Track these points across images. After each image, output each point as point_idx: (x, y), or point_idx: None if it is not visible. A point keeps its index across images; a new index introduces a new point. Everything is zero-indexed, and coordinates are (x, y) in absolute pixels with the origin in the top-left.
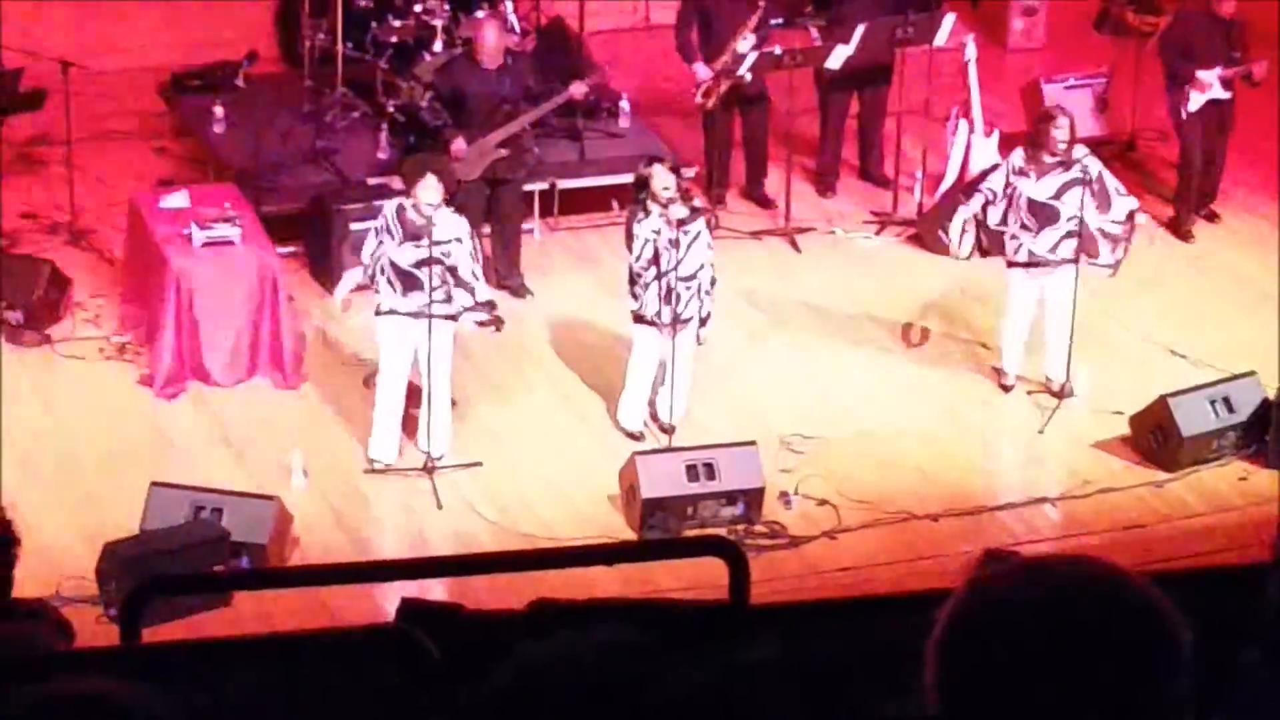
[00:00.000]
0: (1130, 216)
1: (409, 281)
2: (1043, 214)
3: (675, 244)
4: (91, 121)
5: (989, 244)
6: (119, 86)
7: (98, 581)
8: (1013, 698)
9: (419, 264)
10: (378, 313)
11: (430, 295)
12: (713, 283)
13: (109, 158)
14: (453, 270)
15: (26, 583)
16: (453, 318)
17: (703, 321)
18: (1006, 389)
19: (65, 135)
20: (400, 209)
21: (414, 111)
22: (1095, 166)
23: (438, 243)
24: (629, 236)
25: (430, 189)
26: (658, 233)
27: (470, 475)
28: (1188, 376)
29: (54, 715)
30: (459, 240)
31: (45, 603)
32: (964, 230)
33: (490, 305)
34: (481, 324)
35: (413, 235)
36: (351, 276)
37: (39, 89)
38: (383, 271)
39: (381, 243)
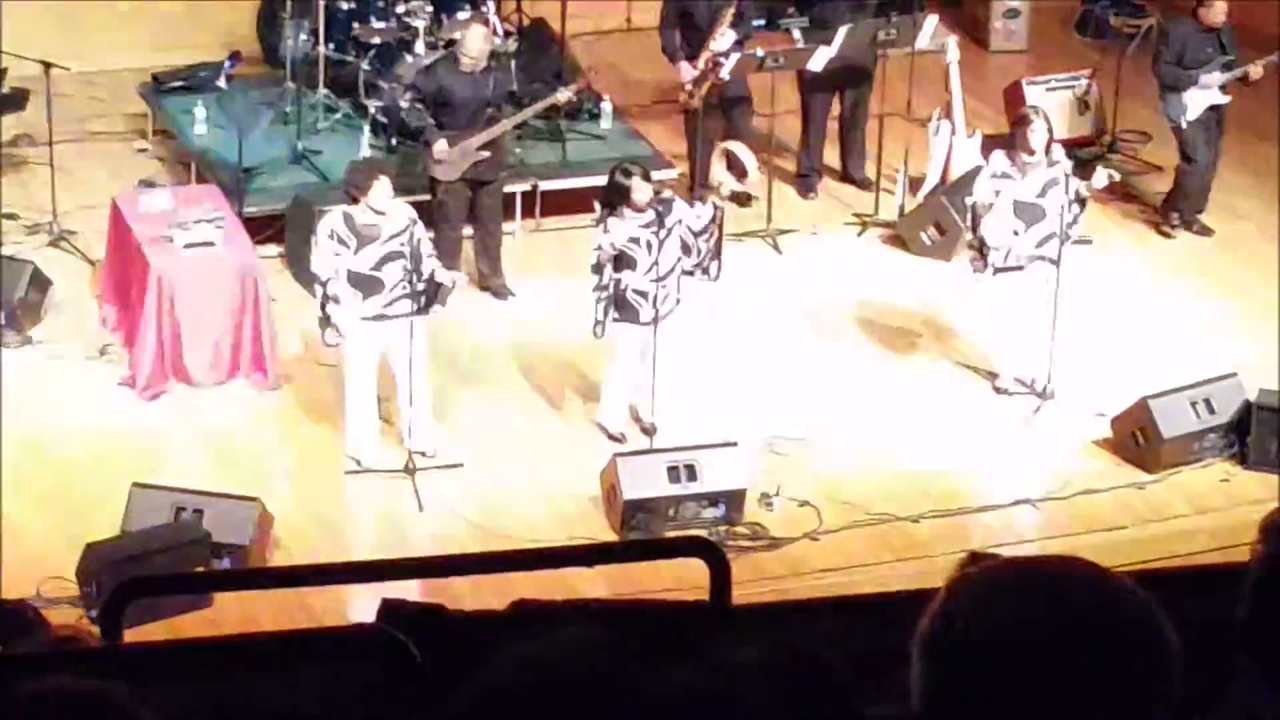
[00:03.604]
0: (1079, 194)
1: (369, 286)
2: (1029, 213)
3: (650, 245)
4: (73, 122)
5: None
6: (101, 87)
7: (79, 582)
8: (996, 698)
9: (380, 263)
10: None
11: (397, 290)
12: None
13: (91, 159)
14: (414, 256)
15: (8, 583)
16: (419, 311)
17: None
18: (999, 391)
19: (47, 136)
20: (348, 217)
21: (396, 113)
22: (1068, 166)
23: (396, 234)
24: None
25: (384, 190)
26: (635, 240)
27: (451, 476)
28: (1169, 378)
29: (35, 714)
30: (414, 220)
31: (26, 603)
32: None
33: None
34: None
35: (368, 239)
36: (340, 304)
37: (21, 89)
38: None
39: (338, 255)
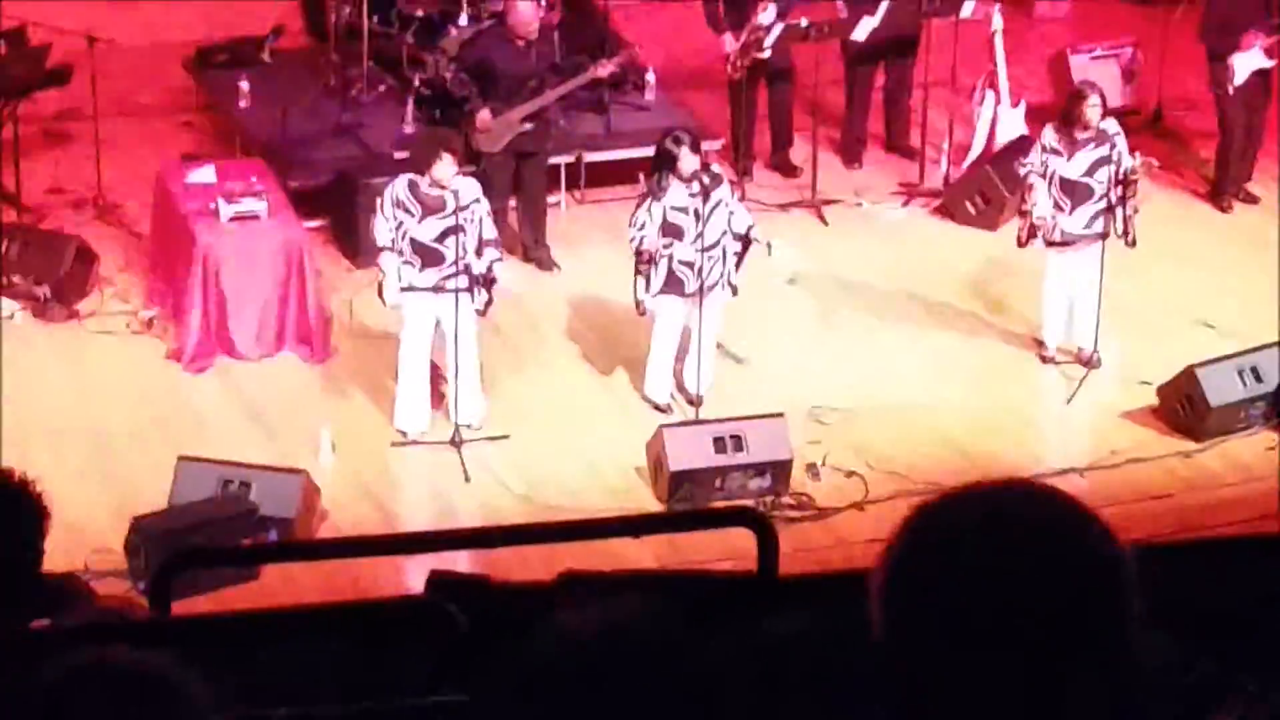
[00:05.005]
0: (1128, 177)
1: (429, 256)
2: (1076, 192)
3: (697, 215)
4: (118, 97)
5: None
6: (145, 61)
7: (126, 555)
8: (955, 622)
9: (442, 236)
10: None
11: (456, 265)
12: (748, 244)
13: (135, 133)
14: (477, 236)
15: (55, 556)
16: (478, 285)
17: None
18: (1046, 360)
19: (92, 110)
20: (413, 185)
21: (440, 85)
22: (1121, 142)
23: (463, 208)
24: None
25: (447, 165)
26: (683, 209)
27: (498, 448)
28: (1216, 346)
29: (85, 686)
30: (478, 201)
31: (74, 576)
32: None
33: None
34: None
35: (433, 209)
36: (391, 269)
37: (65, 64)
38: (401, 250)
39: (401, 222)
